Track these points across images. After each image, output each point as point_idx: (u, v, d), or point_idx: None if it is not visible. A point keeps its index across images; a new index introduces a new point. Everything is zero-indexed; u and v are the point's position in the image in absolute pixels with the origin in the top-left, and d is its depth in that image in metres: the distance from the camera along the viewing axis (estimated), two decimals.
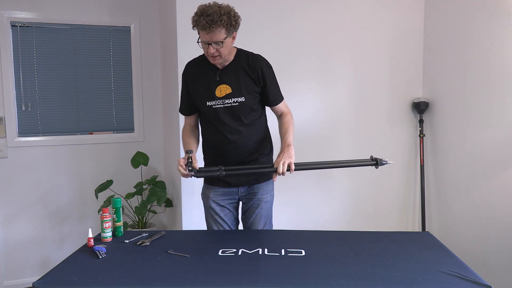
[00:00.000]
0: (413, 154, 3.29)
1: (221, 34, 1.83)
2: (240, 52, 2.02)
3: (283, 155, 1.91)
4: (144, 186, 3.18)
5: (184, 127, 2.15)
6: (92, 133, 3.33)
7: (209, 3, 1.86)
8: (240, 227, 2.25)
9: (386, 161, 1.91)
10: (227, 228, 2.14)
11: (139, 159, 3.20)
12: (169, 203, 3.19)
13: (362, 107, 3.15)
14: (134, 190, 3.18)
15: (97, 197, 3.08)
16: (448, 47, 3.00)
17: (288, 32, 2.95)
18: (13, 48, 3.08)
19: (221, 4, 1.86)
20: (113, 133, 3.38)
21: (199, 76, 2.01)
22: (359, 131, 3.16)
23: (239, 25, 1.90)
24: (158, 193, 3.04)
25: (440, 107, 3.10)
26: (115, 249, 1.77)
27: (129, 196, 3.11)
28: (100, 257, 1.67)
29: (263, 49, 2.89)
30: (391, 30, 3.15)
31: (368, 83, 3.14)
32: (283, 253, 1.70)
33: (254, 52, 2.05)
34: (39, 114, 3.19)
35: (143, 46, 3.35)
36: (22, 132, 3.16)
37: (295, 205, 3.07)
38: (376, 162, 1.97)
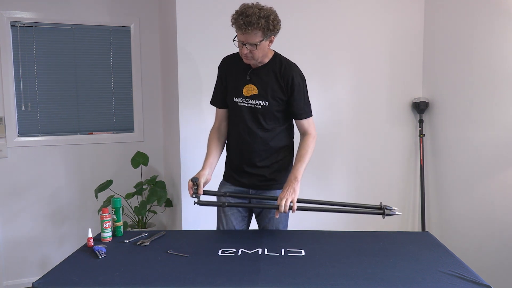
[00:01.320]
0: (413, 154, 3.29)
1: (257, 36, 1.83)
2: (276, 56, 2.00)
3: (287, 191, 1.88)
4: (144, 186, 3.18)
5: (213, 127, 2.13)
6: (92, 133, 3.33)
7: (252, 3, 1.85)
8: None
9: (395, 211, 1.86)
10: (231, 227, 2.11)
11: (139, 159, 3.20)
12: (169, 203, 3.19)
13: (362, 107, 3.15)
14: (134, 190, 3.18)
15: (96, 197, 3.08)
16: (448, 47, 3.00)
17: (288, 32, 2.93)
18: (13, 48, 3.08)
19: (263, 6, 1.85)
20: (113, 133, 3.38)
21: (232, 71, 2.02)
22: (359, 131, 3.16)
23: (278, 29, 1.90)
24: (158, 193, 3.04)
25: (440, 107, 3.10)
26: (115, 249, 1.77)
27: (129, 196, 3.11)
28: (100, 257, 1.67)
29: None
30: (391, 30, 3.15)
31: (368, 83, 3.14)
32: (283, 253, 1.70)
33: (292, 62, 2.03)
34: (39, 114, 3.19)
35: (143, 46, 3.35)
36: (22, 132, 3.16)
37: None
38: (383, 212, 1.90)
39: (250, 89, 1.96)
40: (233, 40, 1.90)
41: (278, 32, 1.92)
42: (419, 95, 3.25)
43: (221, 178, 2.18)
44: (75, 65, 3.25)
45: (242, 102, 1.97)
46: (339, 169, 3.15)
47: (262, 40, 1.84)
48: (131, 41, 3.34)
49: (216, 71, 2.12)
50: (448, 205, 3.05)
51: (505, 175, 2.61)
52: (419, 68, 3.24)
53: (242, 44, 1.86)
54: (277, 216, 1.90)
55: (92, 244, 1.80)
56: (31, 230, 3.20)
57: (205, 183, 1.98)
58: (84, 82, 3.28)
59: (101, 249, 1.72)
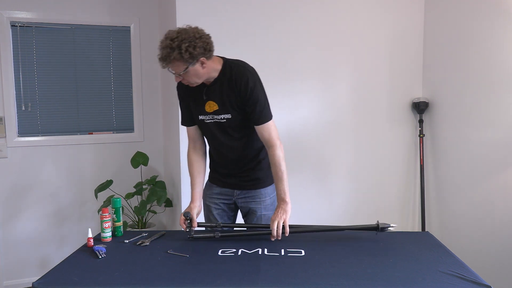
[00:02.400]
0: (413, 154, 3.29)
1: (179, 67, 1.77)
2: (225, 66, 1.90)
3: (278, 213, 1.86)
4: (144, 186, 3.18)
5: (188, 149, 2.10)
6: (92, 133, 3.33)
7: (169, 32, 1.76)
8: None
9: (389, 226, 1.84)
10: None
11: (139, 159, 3.20)
12: (169, 203, 3.19)
13: (362, 107, 3.15)
14: (134, 190, 3.18)
15: (96, 197, 3.08)
16: (448, 47, 3.00)
17: (288, 31, 2.95)
18: (13, 48, 3.08)
19: (179, 34, 1.73)
20: (113, 133, 3.38)
21: (189, 92, 1.98)
22: (359, 131, 3.16)
23: (202, 52, 1.76)
24: (158, 193, 3.04)
25: (440, 107, 3.10)
26: (115, 249, 1.77)
27: (129, 196, 3.11)
28: (100, 257, 1.67)
29: (263, 48, 2.90)
30: (391, 30, 3.15)
31: (368, 83, 3.14)
32: (283, 253, 1.70)
33: (240, 63, 1.93)
34: (39, 114, 3.19)
35: (143, 46, 3.35)
36: (22, 132, 3.16)
37: (295, 205, 3.06)
38: (377, 227, 1.89)
39: (211, 105, 1.92)
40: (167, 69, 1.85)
41: (208, 52, 1.79)
42: (419, 95, 3.25)
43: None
44: (75, 65, 3.25)
45: (208, 119, 1.95)
46: (339, 169, 3.15)
47: (187, 67, 1.76)
48: (131, 41, 3.34)
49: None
50: (448, 205, 3.05)
51: (505, 175, 2.61)
52: (419, 68, 3.24)
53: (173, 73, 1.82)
54: (272, 239, 1.87)
55: (92, 244, 1.80)
56: (31, 230, 3.20)
57: (197, 214, 1.99)
58: (84, 82, 3.28)
59: (101, 249, 1.72)
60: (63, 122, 3.26)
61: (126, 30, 3.33)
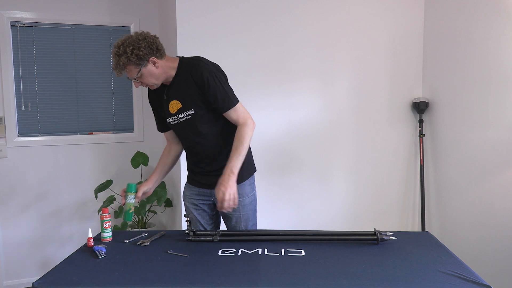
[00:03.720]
0: (413, 154, 3.29)
1: (131, 71, 1.84)
2: (181, 63, 1.94)
3: (222, 185, 1.84)
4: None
5: (166, 146, 2.22)
6: (92, 133, 3.33)
7: (116, 42, 1.84)
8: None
9: (389, 236, 1.83)
10: (201, 227, 2.12)
11: (139, 159, 3.20)
12: (169, 203, 3.19)
13: (362, 107, 3.15)
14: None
15: (96, 197, 3.08)
16: (448, 47, 3.00)
17: (288, 31, 2.95)
18: (13, 48, 3.08)
19: (124, 41, 1.82)
20: (113, 133, 3.38)
21: (155, 97, 2.05)
22: (359, 131, 3.16)
23: (150, 52, 1.83)
24: (158, 193, 3.04)
25: (440, 107, 3.10)
26: (115, 249, 1.77)
27: None
28: (100, 257, 1.67)
29: (263, 48, 2.90)
30: (391, 30, 3.15)
31: (368, 83, 3.15)
32: (283, 253, 1.70)
33: (195, 57, 1.96)
34: (39, 114, 3.19)
35: None
36: (22, 132, 3.16)
37: (295, 205, 3.08)
38: (376, 238, 1.85)
39: (175, 105, 1.96)
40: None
41: (156, 52, 1.86)
42: (419, 95, 3.25)
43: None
44: (75, 65, 3.25)
45: (175, 120, 1.99)
46: (339, 169, 3.15)
47: (140, 70, 1.83)
48: None
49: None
50: (448, 205, 3.05)
51: (505, 175, 2.61)
52: (419, 68, 3.24)
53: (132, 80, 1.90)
54: (219, 209, 1.88)
55: (92, 244, 1.80)
56: (31, 230, 3.20)
57: (144, 194, 2.08)
58: (84, 82, 3.28)
59: (101, 249, 1.72)
60: (63, 122, 3.26)
61: (126, 30, 3.33)
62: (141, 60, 1.82)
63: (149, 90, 2.06)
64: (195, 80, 1.89)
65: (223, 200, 1.83)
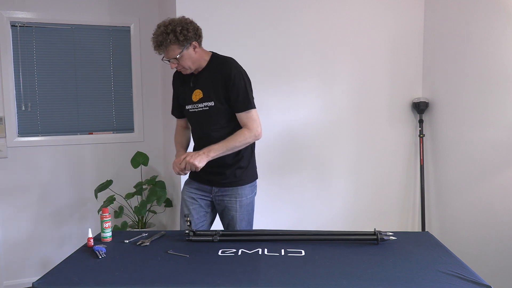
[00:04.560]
0: (413, 154, 3.29)
1: (174, 51, 1.92)
2: (213, 57, 2.06)
3: (194, 154, 1.93)
4: (144, 186, 3.18)
5: (176, 128, 2.26)
6: (92, 133, 3.33)
7: (162, 22, 1.93)
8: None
9: (389, 236, 1.83)
10: (193, 222, 2.12)
11: (139, 159, 3.20)
12: (168, 203, 3.19)
13: (362, 107, 3.15)
14: (134, 190, 3.18)
15: (96, 197, 3.08)
16: (448, 47, 3.00)
17: (288, 31, 2.95)
18: (13, 48, 3.08)
19: (172, 20, 1.91)
20: (113, 133, 3.38)
21: (181, 82, 2.12)
22: (359, 131, 3.16)
23: (195, 35, 1.95)
24: (158, 193, 3.04)
25: (440, 107, 3.10)
26: (115, 249, 1.77)
27: (129, 196, 3.11)
28: (100, 257, 1.67)
29: (263, 48, 2.90)
30: (391, 30, 3.15)
31: (368, 83, 3.15)
32: (283, 253, 1.70)
33: (228, 57, 2.07)
34: (39, 114, 3.19)
35: (143, 46, 3.35)
36: (22, 132, 3.16)
37: (294, 205, 3.07)
38: (376, 238, 1.83)
39: (197, 94, 2.04)
40: (162, 60, 1.99)
41: (198, 37, 1.98)
42: (419, 95, 3.25)
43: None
44: (75, 65, 3.25)
45: (193, 108, 2.06)
46: (339, 169, 3.15)
47: (182, 51, 1.92)
48: (131, 41, 3.34)
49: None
50: (448, 205, 3.05)
51: (505, 175, 2.61)
52: (419, 68, 3.24)
53: (167, 60, 1.96)
54: (175, 171, 1.94)
55: (92, 244, 1.80)
56: (31, 230, 3.20)
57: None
58: (84, 82, 3.28)
59: (101, 249, 1.72)
60: (63, 122, 3.26)
61: (126, 30, 3.33)
62: (186, 41, 1.91)
63: (175, 74, 2.15)
64: (222, 75, 1.98)
65: (178, 161, 1.92)
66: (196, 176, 2.13)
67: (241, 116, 2.01)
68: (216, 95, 2.00)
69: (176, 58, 1.93)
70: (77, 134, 3.29)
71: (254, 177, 2.18)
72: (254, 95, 2.91)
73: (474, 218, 2.82)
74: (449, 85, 3.00)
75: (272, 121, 2.96)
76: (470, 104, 2.83)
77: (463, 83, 2.88)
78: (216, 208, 2.18)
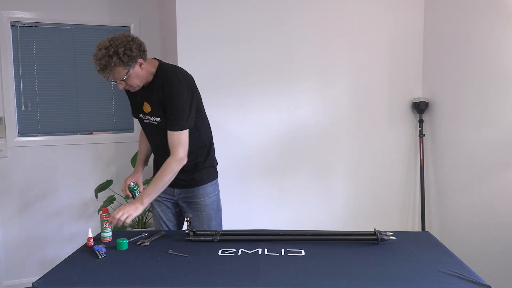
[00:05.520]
0: (413, 154, 3.29)
1: (120, 73, 1.82)
2: (159, 69, 1.95)
3: (130, 206, 1.87)
4: (144, 186, 3.17)
5: (141, 131, 2.22)
6: (92, 133, 3.33)
7: (101, 43, 1.81)
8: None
9: (389, 236, 1.82)
10: (163, 225, 2.16)
11: None
12: None
13: (362, 107, 3.15)
14: None
15: (96, 197, 3.08)
16: (448, 47, 3.00)
17: (288, 31, 2.95)
18: (13, 48, 3.08)
19: (111, 41, 1.79)
20: (113, 133, 3.38)
21: (130, 93, 2.07)
22: (359, 131, 3.16)
23: (138, 53, 1.83)
24: None
25: (440, 107, 3.10)
26: (115, 249, 1.77)
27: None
28: (100, 257, 1.67)
29: (263, 48, 2.90)
30: (391, 30, 3.15)
31: (368, 83, 3.14)
32: (283, 253, 1.70)
33: (173, 68, 1.98)
34: (39, 114, 3.19)
35: None
36: (22, 132, 3.16)
37: (294, 205, 3.07)
38: (376, 238, 1.82)
39: (146, 107, 2.00)
40: (107, 81, 1.90)
41: (143, 53, 1.87)
42: (419, 95, 3.25)
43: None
44: (75, 65, 3.25)
45: (146, 119, 2.03)
46: (339, 169, 3.15)
47: (128, 71, 1.83)
48: None
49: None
50: (448, 205, 3.05)
51: (505, 175, 2.61)
52: (419, 68, 3.24)
53: (114, 82, 1.88)
54: (106, 226, 1.87)
55: (92, 244, 1.80)
56: (31, 230, 3.20)
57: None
58: (84, 82, 3.28)
59: (101, 249, 1.72)
60: (63, 122, 3.26)
61: (126, 30, 3.33)
62: (131, 61, 1.82)
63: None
64: (164, 91, 1.90)
65: (115, 214, 1.83)
66: None
67: (170, 134, 1.92)
68: (159, 112, 1.95)
69: (123, 80, 1.85)
70: (77, 134, 3.29)
71: (214, 176, 2.15)
72: (254, 95, 2.86)
73: (474, 218, 2.82)
74: (449, 85, 3.00)
75: (272, 121, 2.96)
76: (470, 104, 2.83)
77: (463, 83, 2.88)
78: (182, 210, 2.18)
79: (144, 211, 3.05)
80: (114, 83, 1.88)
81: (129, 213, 1.84)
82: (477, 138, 2.78)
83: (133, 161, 3.18)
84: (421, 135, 3.18)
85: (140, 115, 2.05)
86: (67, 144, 3.25)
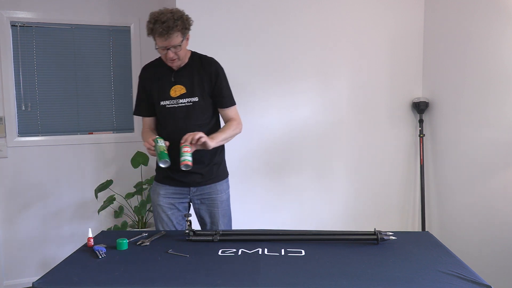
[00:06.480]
0: (413, 154, 3.29)
1: (178, 38, 1.92)
2: (194, 55, 2.10)
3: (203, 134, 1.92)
4: (144, 186, 3.18)
5: (144, 129, 2.22)
6: (92, 133, 3.33)
7: (160, 10, 1.92)
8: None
9: (389, 236, 1.82)
10: (172, 228, 2.14)
11: (139, 159, 3.20)
12: None
13: (362, 107, 3.15)
14: (134, 190, 3.18)
15: (96, 197, 3.08)
16: (448, 47, 3.00)
17: (288, 31, 2.95)
18: (13, 48, 3.08)
19: (172, 9, 1.92)
20: (113, 133, 3.38)
21: (155, 77, 2.09)
22: (359, 131, 3.16)
23: (191, 26, 1.99)
24: None
25: (440, 107, 3.10)
26: (115, 249, 1.77)
27: (129, 196, 3.11)
28: (100, 257, 1.67)
29: (263, 48, 2.90)
30: (391, 30, 3.15)
31: (368, 83, 3.14)
32: (283, 253, 1.70)
33: (208, 56, 2.13)
34: (39, 114, 3.19)
35: (143, 46, 3.35)
36: (22, 132, 3.16)
37: (294, 205, 3.07)
38: (376, 238, 1.81)
39: (178, 90, 2.04)
40: (156, 49, 1.97)
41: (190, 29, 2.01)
42: (419, 95, 3.25)
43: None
44: (75, 65, 3.25)
45: (172, 104, 2.05)
46: (339, 169, 3.15)
47: (183, 40, 1.94)
48: (131, 41, 3.34)
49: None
50: (448, 205, 3.05)
51: (505, 175, 2.61)
52: (419, 68, 3.24)
53: (166, 49, 1.93)
54: (182, 142, 1.90)
55: (92, 244, 1.80)
56: (31, 230, 3.20)
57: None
58: (84, 82, 3.28)
59: (101, 249, 1.72)
60: (63, 122, 3.26)
61: (126, 30, 3.33)
62: (187, 30, 1.95)
63: (145, 71, 2.13)
64: (207, 71, 2.04)
65: (191, 134, 1.89)
66: (170, 179, 2.11)
67: (228, 111, 2.12)
68: (201, 92, 2.03)
69: (179, 46, 1.93)
70: (77, 134, 3.29)
71: (227, 173, 2.24)
72: (254, 94, 2.94)
73: (474, 218, 2.82)
74: (449, 85, 3.00)
75: (272, 121, 2.96)
76: (470, 104, 2.83)
77: (463, 83, 2.88)
78: (194, 208, 2.18)
79: (144, 211, 3.06)
80: (165, 50, 1.92)
81: (204, 136, 1.91)
82: (477, 138, 2.78)
83: (133, 161, 3.19)
84: (421, 135, 3.18)
85: (164, 102, 2.05)
86: (67, 144, 3.25)
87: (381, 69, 3.16)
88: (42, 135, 3.21)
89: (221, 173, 2.17)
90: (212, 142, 1.95)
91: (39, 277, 1.48)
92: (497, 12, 2.61)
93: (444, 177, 3.09)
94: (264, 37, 2.89)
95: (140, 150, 3.27)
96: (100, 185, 3.10)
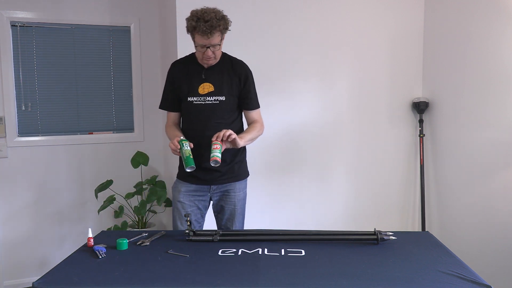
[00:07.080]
0: (413, 154, 3.29)
1: (218, 37, 1.96)
2: (225, 55, 2.14)
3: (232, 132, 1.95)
4: (144, 186, 3.18)
5: (168, 124, 2.24)
6: (92, 133, 3.33)
7: (203, 8, 1.95)
8: (213, 225, 2.28)
9: (389, 236, 1.82)
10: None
11: (139, 159, 3.20)
12: (169, 203, 3.19)
13: (362, 107, 3.15)
14: (134, 190, 3.18)
15: (96, 197, 3.08)
16: (448, 47, 3.00)
17: (288, 31, 2.95)
18: (13, 48, 3.08)
19: (214, 9, 1.96)
20: (113, 133, 3.38)
21: (185, 73, 2.12)
22: (359, 131, 3.16)
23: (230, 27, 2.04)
24: (158, 192, 3.04)
25: (440, 107, 3.10)
26: (115, 249, 1.77)
27: (129, 196, 3.11)
28: (100, 257, 1.67)
29: (263, 49, 2.90)
30: (391, 30, 3.15)
31: (368, 83, 3.15)
32: (283, 253, 1.70)
33: (237, 58, 2.19)
34: (39, 114, 3.19)
35: (143, 46, 3.35)
36: (22, 132, 3.16)
37: (295, 205, 3.07)
38: (376, 238, 1.82)
39: (206, 87, 2.08)
40: (195, 46, 2.01)
41: None
42: (419, 95, 3.25)
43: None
44: (75, 65, 3.25)
45: (199, 101, 2.08)
46: (339, 169, 3.15)
47: (222, 39, 2.00)
48: (131, 41, 3.34)
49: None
50: (448, 205, 3.05)
51: (505, 175, 2.61)
52: (419, 68, 3.24)
53: (205, 47, 1.96)
54: (213, 138, 1.94)
55: (92, 244, 1.80)
56: (31, 230, 3.20)
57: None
58: (84, 82, 3.28)
59: (101, 249, 1.72)
60: (63, 122, 3.26)
61: (126, 30, 3.33)
62: (226, 31, 2.01)
63: (176, 67, 2.16)
64: (236, 73, 2.10)
65: (223, 131, 1.93)
66: (191, 177, 2.13)
67: (253, 113, 2.18)
68: (228, 91, 2.08)
69: (218, 45, 1.97)
70: (77, 134, 3.29)
71: (247, 173, 2.27)
72: None
73: (474, 218, 2.82)
74: (449, 85, 3.00)
75: (272, 121, 2.96)
76: (470, 104, 2.83)
77: (463, 83, 2.88)
78: (212, 206, 2.23)
79: (144, 211, 3.06)
80: (203, 49, 1.95)
81: (234, 134, 1.95)
82: (477, 138, 2.79)
83: (133, 161, 3.19)
84: (421, 135, 3.18)
85: (192, 98, 2.08)
86: (67, 144, 3.25)
87: (381, 69, 3.16)
88: (42, 135, 3.21)
89: (241, 172, 2.21)
90: (241, 141, 2.00)
91: (39, 277, 1.49)
92: (497, 12, 2.61)
93: (444, 177, 3.09)
94: (264, 38, 2.89)
95: (140, 150, 3.28)
96: (100, 185, 3.10)
